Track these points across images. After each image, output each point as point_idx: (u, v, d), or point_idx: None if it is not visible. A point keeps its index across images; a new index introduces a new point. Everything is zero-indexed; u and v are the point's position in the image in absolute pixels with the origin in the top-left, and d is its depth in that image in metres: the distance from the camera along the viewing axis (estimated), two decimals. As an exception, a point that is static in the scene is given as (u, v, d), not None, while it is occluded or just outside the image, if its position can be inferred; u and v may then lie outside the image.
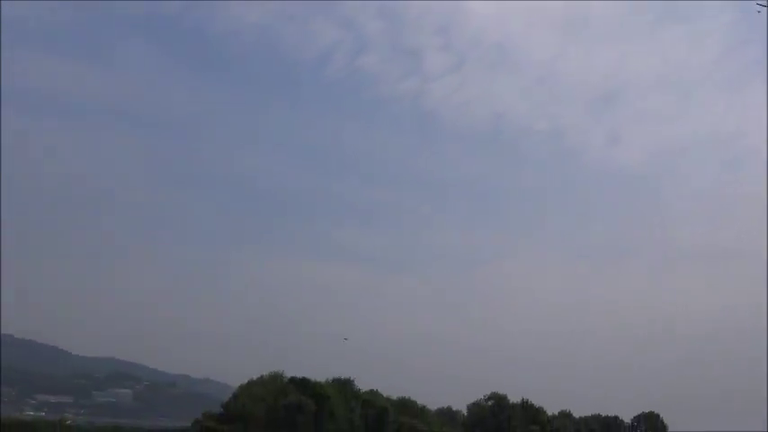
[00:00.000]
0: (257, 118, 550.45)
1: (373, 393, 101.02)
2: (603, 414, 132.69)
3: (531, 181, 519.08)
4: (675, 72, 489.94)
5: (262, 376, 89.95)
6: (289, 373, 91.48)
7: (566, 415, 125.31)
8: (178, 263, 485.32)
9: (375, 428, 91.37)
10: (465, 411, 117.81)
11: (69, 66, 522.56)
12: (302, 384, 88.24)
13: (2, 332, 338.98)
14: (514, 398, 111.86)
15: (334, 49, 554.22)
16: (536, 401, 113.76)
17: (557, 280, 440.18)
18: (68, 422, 54.87)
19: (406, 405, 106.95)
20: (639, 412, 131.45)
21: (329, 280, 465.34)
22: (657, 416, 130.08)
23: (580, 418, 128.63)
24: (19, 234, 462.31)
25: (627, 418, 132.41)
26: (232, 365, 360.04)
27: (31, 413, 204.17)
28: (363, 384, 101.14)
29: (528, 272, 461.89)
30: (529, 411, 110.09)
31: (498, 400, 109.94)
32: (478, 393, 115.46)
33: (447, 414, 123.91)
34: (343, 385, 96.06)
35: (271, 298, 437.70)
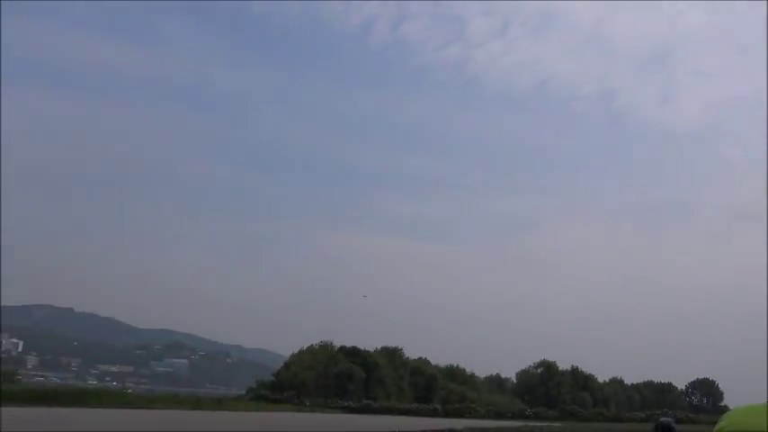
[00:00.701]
0: (299, 91, 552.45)
1: (422, 361, 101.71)
2: (656, 381, 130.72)
3: (580, 145, 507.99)
4: (731, 28, 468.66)
5: (312, 346, 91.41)
6: (338, 343, 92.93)
7: (617, 382, 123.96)
8: (228, 236, 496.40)
9: (423, 395, 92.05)
10: (514, 379, 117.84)
11: (112, 44, 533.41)
12: (352, 353, 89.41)
13: (61, 306, 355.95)
14: (564, 365, 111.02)
15: (376, 19, 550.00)
16: (586, 369, 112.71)
17: (607, 245, 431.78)
18: (129, 390, 57.26)
19: (454, 372, 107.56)
20: (694, 379, 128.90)
21: (378, 250, 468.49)
22: (713, 382, 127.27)
23: (632, 384, 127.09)
24: (74, 212, 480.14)
25: (681, 384, 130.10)
26: (283, 336, 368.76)
27: (95, 382, 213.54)
28: (412, 353, 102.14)
29: (576, 237, 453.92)
30: (579, 378, 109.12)
31: (547, 368, 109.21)
32: (527, 361, 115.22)
33: (495, 381, 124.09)
34: (392, 354, 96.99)
35: (319, 269, 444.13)
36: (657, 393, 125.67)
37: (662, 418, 9.05)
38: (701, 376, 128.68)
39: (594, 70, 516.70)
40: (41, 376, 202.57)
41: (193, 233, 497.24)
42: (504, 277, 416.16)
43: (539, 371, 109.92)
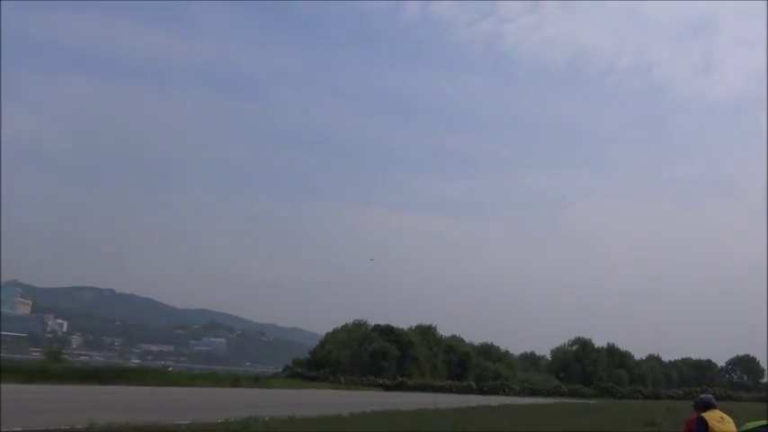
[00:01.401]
0: (328, 71, 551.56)
1: (455, 339, 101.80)
2: (695, 358, 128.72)
3: (616, 119, 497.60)
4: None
5: (346, 324, 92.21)
6: (372, 322, 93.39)
7: (654, 359, 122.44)
8: (263, 217, 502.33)
9: (457, 373, 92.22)
10: (549, 356, 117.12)
11: (144, 29, 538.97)
12: (386, 331, 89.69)
13: (103, 288, 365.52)
14: (600, 342, 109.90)
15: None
16: (622, 346, 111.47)
17: (643, 222, 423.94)
18: (170, 369, 58.77)
19: (488, 350, 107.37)
20: (734, 356, 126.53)
21: (411, 229, 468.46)
22: (754, 359, 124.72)
23: (669, 362, 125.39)
24: (111, 196, 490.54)
25: (720, 361, 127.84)
26: (318, 315, 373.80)
27: (137, 361, 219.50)
28: (446, 331, 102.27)
29: (614, 213, 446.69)
30: (615, 355, 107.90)
31: (583, 345, 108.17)
32: (563, 338, 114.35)
33: (530, 359, 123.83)
34: (426, 332, 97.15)
35: (352, 250, 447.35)
36: (696, 370, 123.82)
37: (701, 395, 8.89)
38: (741, 353, 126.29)
39: (631, 42, 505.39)
40: (86, 355, 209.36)
41: (228, 214, 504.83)
42: (539, 255, 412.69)
43: (574, 348, 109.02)
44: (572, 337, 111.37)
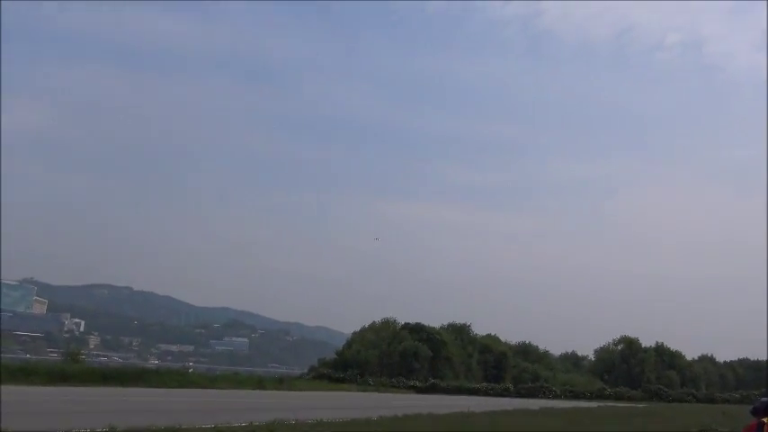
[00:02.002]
0: (357, 58, 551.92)
1: (491, 338, 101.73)
2: (752, 358, 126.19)
3: (665, 100, 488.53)
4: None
5: (375, 323, 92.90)
6: (402, 320, 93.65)
7: (707, 359, 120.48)
8: (286, 211, 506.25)
9: (493, 374, 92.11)
10: (592, 356, 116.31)
11: (168, 19, 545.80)
12: (416, 330, 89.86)
13: (120, 286, 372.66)
14: (648, 342, 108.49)
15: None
16: (672, 345, 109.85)
17: (695, 210, 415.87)
18: (191, 369, 59.71)
19: (526, 350, 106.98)
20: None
21: (444, 221, 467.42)
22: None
23: (725, 362, 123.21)
24: (130, 188, 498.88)
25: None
26: (345, 313, 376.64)
27: (156, 362, 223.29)
28: (480, 329, 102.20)
29: (664, 200, 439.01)
30: (664, 356, 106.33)
31: (629, 344, 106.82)
32: (607, 337, 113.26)
33: (571, 359, 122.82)
34: (460, 330, 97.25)
35: (381, 243, 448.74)
36: (755, 372, 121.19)
37: (761, 399, 8.74)
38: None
39: (681, 17, 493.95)
40: (104, 356, 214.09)
41: (250, 207, 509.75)
42: (581, 247, 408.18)
43: (619, 348, 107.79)
44: (617, 336, 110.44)
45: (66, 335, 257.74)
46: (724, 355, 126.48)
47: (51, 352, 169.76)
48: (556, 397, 78.17)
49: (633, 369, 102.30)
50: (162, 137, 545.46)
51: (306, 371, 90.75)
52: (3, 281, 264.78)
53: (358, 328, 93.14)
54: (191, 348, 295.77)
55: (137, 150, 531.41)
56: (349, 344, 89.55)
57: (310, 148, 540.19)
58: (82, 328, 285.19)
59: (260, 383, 52.82)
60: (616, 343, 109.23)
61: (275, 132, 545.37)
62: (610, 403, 65.41)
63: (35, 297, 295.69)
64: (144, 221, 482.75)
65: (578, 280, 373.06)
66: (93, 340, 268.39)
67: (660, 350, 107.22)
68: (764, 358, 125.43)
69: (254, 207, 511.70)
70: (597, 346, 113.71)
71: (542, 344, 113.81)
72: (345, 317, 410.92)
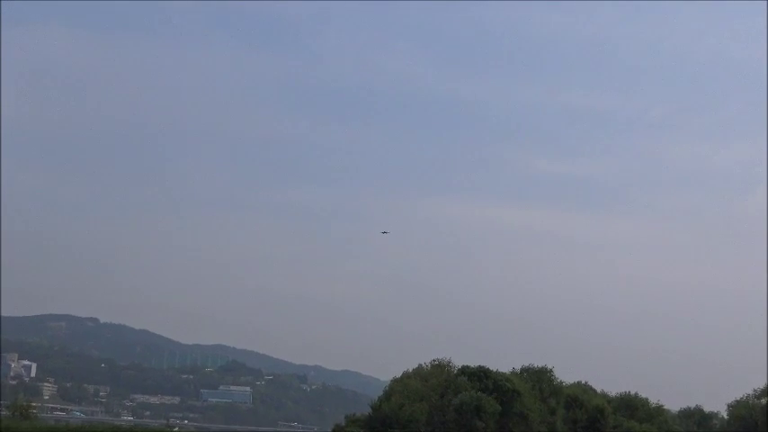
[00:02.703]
0: (393, 11, 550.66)
1: (581, 387, 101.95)
2: None
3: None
4: None
5: (422, 366, 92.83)
6: (458, 361, 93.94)
7: None
8: (298, 216, 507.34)
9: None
10: (724, 413, 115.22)
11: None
12: (479, 376, 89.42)
13: (83, 316, 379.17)
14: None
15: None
16: None
17: None
18: (176, 429, 60.41)
19: (631, 404, 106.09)
20: None
21: (505, 226, 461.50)
22: None
23: None
24: (97, 197, 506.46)
25: None
26: (380, 353, 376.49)
27: (130, 418, 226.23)
28: (567, 375, 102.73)
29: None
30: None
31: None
32: (746, 388, 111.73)
33: (695, 416, 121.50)
34: (538, 376, 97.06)
35: (427, 254, 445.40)
36: None
37: None
38: None
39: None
40: (62, 410, 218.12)
41: (251, 210, 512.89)
42: (709, 259, 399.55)
43: (763, 402, 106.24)
44: (761, 386, 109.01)
45: (13, 381, 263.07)
46: None
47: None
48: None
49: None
50: (139, 119, 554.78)
51: (329, 431, 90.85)
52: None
53: (399, 374, 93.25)
54: (176, 400, 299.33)
55: (104, 138, 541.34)
56: (387, 395, 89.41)
57: (334, 129, 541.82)
58: (33, 373, 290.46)
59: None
60: (759, 395, 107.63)
61: (288, 110, 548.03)
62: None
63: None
64: (113, 234, 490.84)
65: (703, 306, 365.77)
66: (49, 389, 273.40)
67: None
68: None
69: (256, 210, 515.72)
70: (732, 398, 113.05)
71: (653, 395, 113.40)
72: (381, 358, 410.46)
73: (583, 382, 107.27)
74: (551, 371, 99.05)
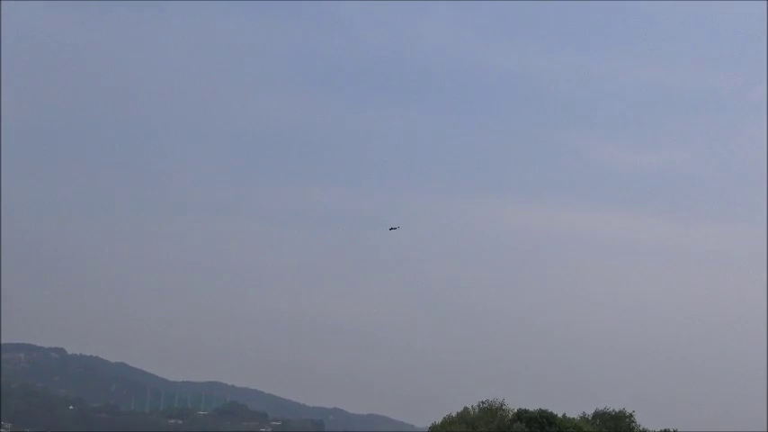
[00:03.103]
0: None
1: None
2: None
3: None
4: None
5: (468, 410, 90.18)
6: (513, 404, 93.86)
7: None
8: (309, 221, 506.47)
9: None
10: None
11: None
12: (540, 423, 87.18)
13: (48, 347, 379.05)
14: None
15: None
16: None
17: None
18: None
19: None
20: None
21: (574, 234, 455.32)
22: None
23: None
24: (64, 200, 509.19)
25: None
26: (414, 394, 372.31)
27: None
28: (650, 421, 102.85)
29: None
30: None
31: None
32: None
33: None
34: (615, 422, 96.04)
35: (473, 274, 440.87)
36: None
37: None
38: None
39: None
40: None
41: (252, 213, 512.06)
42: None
43: None
44: None
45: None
46: None
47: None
48: None
49: None
50: (124, 108, 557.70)
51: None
52: None
53: (438, 419, 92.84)
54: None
55: (79, 130, 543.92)
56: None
57: (360, 115, 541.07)
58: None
59: None
60: None
61: (298, 93, 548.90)
62: None
63: None
64: (84, 244, 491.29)
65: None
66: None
67: None
68: None
69: (257, 212, 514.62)
70: None
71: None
72: (416, 399, 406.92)
73: (672, 430, 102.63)
74: (631, 415, 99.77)
